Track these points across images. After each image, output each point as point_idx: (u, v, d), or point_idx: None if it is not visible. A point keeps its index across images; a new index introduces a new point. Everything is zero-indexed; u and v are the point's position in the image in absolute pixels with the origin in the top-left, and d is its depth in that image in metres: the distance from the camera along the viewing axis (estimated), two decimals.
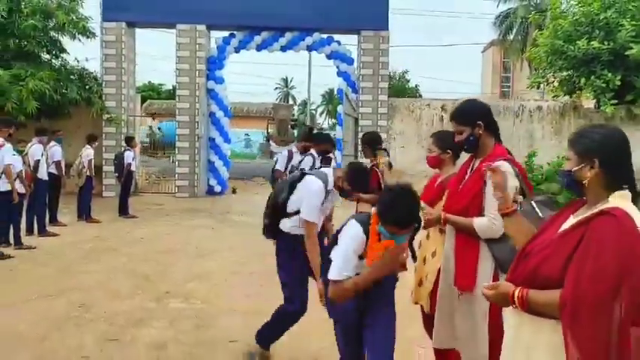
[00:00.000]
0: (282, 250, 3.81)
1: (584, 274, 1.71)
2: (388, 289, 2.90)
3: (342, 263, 2.68)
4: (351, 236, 2.72)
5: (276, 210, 3.79)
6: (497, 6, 33.18)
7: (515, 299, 1.89)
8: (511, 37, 32.27)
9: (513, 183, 2.64)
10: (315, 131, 11.49)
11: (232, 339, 4.43)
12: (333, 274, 2.69)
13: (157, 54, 40.36)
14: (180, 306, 5.35)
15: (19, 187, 7.62)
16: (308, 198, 3.58)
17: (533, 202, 2.57)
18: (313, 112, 56.92)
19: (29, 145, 8.78)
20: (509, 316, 2.04)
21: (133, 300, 5.52)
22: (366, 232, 2.67)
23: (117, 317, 4.93)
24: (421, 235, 3.92)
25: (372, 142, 5.33)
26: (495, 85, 40.47)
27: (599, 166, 1.85)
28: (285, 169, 7.06)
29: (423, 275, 3.38)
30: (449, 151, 3.35)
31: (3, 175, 7.33)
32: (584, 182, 1.89)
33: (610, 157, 1.85)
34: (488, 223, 2.71)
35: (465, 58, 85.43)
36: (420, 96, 38.83)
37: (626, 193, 1.86)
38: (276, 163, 7.46)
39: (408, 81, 42.90)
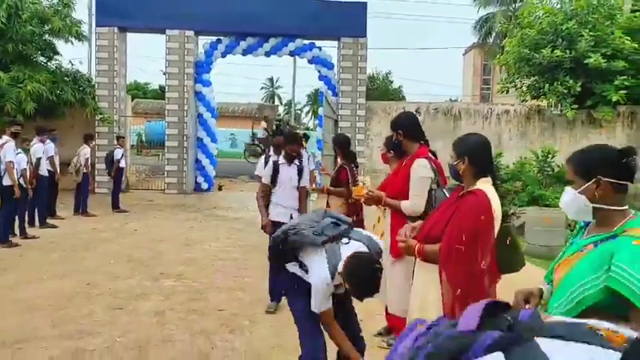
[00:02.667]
0: (286, 285, 3.40)
1: (453, 231, 2.60)
2: None
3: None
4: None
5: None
6: (478, 11, 34.28)
7: (416, 251, 2.77)
8: (490, 40, 33.33)
9: (429, 174, 3.54)
10: (299, 131, 12.41)
11: (220, 308, 5.28)
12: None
13: (144, 54, 40.88)
14: (173, 284, 6.18)
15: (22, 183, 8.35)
16: (315, 292, 3.03)
17: (444, 190, 3.49)
18: (299, 112, 57.74)
19: (32, 143, 9.50)
20: (416, 268, 2.93)
21: (132, 280, 6.32)
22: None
23: (119, 293, 5.75)
24: (374, 219, 4.82)
25: (343, 144, 6.23)
26: (476, 88, 41.60)
27: (469, 162, 2.72)
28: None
29: None
30: (391, 150, 4.24)
31: (5, 172, 8.07)
32: (460, 173, 2.77)
33: (475, 156, 2.73)
34: (410, 204, 3.59)
35: (449, 61, 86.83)
36: (403, 97, 39.88)
37: (488, 180, 2.74)
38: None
39: (392, 82, 43.89)
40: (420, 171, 3.62)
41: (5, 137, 8.11)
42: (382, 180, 4.67)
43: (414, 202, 3.54)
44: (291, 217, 5.20)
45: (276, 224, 4.97)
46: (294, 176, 5.54)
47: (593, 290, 1.77)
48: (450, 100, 38.55)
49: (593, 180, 1.87)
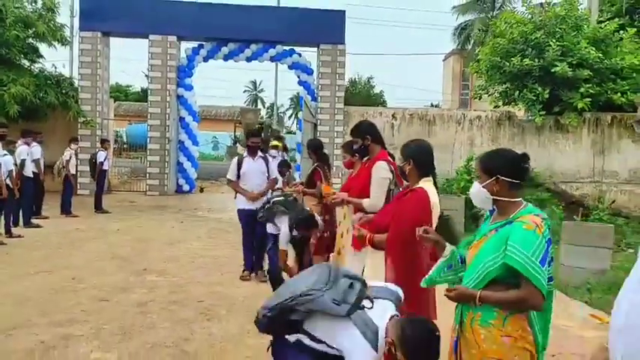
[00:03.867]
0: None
1: (397, 222, 3.05)
2: None
3: None
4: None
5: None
6: (457, 18, 35.05)
7: (367, 239, 3.21)
8: (469, 47, 34.04)
9: (388, 175, 3.99)
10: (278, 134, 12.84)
11: (199, 300, 5.67)
12: None
13: (125, 56, 40.81)
14: (156, 279, 6.55)
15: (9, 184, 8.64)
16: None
17: (401, 189, 3.94)
18: (282, 114, 58.09)
19: (17, 145, 9.77)
20: (367, 255, 3.38)
21: (116, 275, 6.67)
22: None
23: (104, 286, 6.10)
24: (339, 216, 5.26)
25: (316, 147, 6.65)
26: (455, 93, 42.41)
27: (413, 164, 3.17)
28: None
29: (341, 246, 4.69)
30: (356, 154, 4.67)
31: None
32: (406, 173, 3.22)
33: (418, 159, 3.18)
34: (370, 202, 4.03)
35: (430, 67, 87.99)
36: (384, 101, 40.53)
37: (429, 179, 3.19)
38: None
39: (373, 87, 44.51)
40: (381, 172, 4.06)
41: None
42: (344, 182, 5.11)
43: (374, 200, 3.97)
44: (260, 206, 5.89)
45: (244, 212, 6.42)
46: (261, 168, 6.49)
47: (495, 266, 2.22)
48: (432, 104, 39.28)
49: (494, 178, 2.33)
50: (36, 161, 10.26)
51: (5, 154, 8.55)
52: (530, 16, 15.73)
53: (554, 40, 14.29)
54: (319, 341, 2.53)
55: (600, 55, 14.18)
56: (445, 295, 2.33)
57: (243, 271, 6.68)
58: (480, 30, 27.59)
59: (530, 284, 2.11)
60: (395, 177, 4.09)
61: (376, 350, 2.40)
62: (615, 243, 10.49)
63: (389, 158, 4.19)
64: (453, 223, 3.30)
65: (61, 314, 5.05)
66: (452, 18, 35.04)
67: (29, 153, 9.99)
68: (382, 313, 2.51)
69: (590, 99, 14.10)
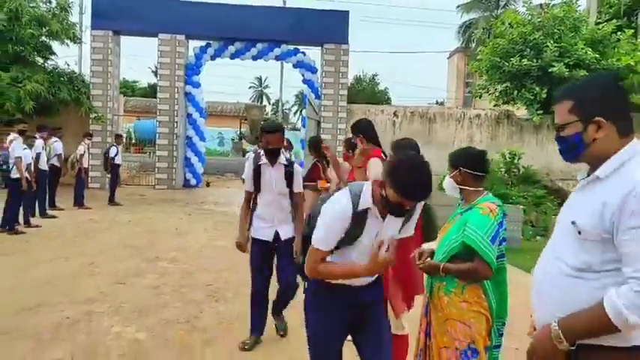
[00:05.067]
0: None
1: None
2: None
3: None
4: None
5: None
6: (461, 16, 35.31)
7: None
8: (473, 45, 34.28)
9: (380, 169, 4.43)
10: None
11: (207, 284, 6.15)
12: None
13: (132, 53, 41.43)
14: (167, 265, 7.04)
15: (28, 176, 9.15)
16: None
17: None
18: (287, 111, 58.57)
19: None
20: None
21: (130, 262, 7.16)
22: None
23: (119, 272, 6.58)
24: None
25: (315, 144, 7.12)
26: (459, 91, 42.72)
27: None
28: None
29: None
30: (350, 150, 5.14)
31: (14, 166, 8.87)
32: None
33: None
34: None
35: (435, 64, 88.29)
36: (389, 99, 40.88)
37: None
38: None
39: (378, 84, 44.85)
40: (374, 169, 4.50)
41: (13, 134, 8.89)
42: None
43: None
44: (277, 235, 4.29)
45: (259, 243, 4.32)
46: (280, 180, 4.26)
47: (456, 244, 2.68)
48: (436, 102, 39.58)
49: (457, 170, 2.79)
50: (58, 156, 10.79)
51: (25, 149, 9.05)
52: (529, 16, 16.12)
53: (552, 41, 14.68)
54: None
55: (597, 55, 14.55)
56: (417, 266, 2.79)
57: (250, 336, 4.41)
58: (484, 29, 27.90)
59: (480, 258, 2.57)
60: None
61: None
62: None
63: (382, 155, 4.64)
64: (434, 212, 3.73)
65: (82, 295, 5.53)
66: (457, 16, 35.22)
67: (44, 147, 10.48)
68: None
69: None
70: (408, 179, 2.22)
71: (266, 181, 4.30)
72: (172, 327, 4.69)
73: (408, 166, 2.25)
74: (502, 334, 2.84)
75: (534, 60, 14.90)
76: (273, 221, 4.31)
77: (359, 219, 2.39)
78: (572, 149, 1.80)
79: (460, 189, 2.82)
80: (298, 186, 4.39)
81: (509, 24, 15.96)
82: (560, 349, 1.71)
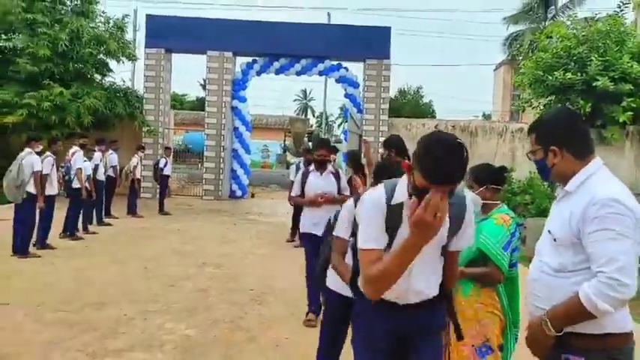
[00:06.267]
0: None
1: None
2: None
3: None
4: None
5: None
6: (507, 28, 34.99)
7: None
8: (520, 57, 33.87)
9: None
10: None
11: (251, 288, 6.56)
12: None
13: (181, 68, 42.79)
14: (213, 271, 7.51)
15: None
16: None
17: None
18: (332, 123, 59.24)
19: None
20: None
21: (180, 267, 7.66)
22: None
23: (171, 275, 7.09)
24: None
25: (354, 160, 7.47)
26: (506, 104, 42.22)
27: None
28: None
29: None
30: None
31: (75, 176, 9.58)
32: None
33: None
34: None
35: (480, 77, 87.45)
36: (433, 111, 40.85)
37: None
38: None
39: (422, 97, 44.85)
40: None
41: (75, 147, 9.63)
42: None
43: None
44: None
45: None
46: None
47: (473, 251, 2.97)
48: (483, 114, 39.21)
49: (484, 187, 3.09)
50: (114, 167, 11.54)
51: (85, 161, 9.76)
52: (574, 30, 16.03)
53: (596, 55, 14.57)
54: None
55: None
56: None
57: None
58: (530, 42, 27.57)
59: (492, 263, 2.86)
60: None
61: (389, 199, 2.15)
62: None
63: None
64: None
65: (137, 295, 6.04)
66: (503, 28, 34.91)
67: (102, 159, 11.22)
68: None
69: (632, 113, 14.30)
70: (433, 161, 1.88)
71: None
72: (218, 325, 5.10)
73: (436, 146, 1.91)
74: (517, 338, 3.11)
75: (578, 74, 14.81)
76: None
77: (394, 214, 2.13)
78: (541, 171, 2.20)
79: (483, 204, 3.11)
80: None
81: (550, 37, 15.93)
82: (549, 336, 2.01)
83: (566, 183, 2.10)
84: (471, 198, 3.15)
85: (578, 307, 1.92)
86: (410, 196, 2.04)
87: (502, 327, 2.97)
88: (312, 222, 5.13)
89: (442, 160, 1.88)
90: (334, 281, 3.35)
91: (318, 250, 4.50)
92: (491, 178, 3.10)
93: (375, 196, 2.19)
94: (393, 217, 2.14)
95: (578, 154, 2.09)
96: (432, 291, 2.28)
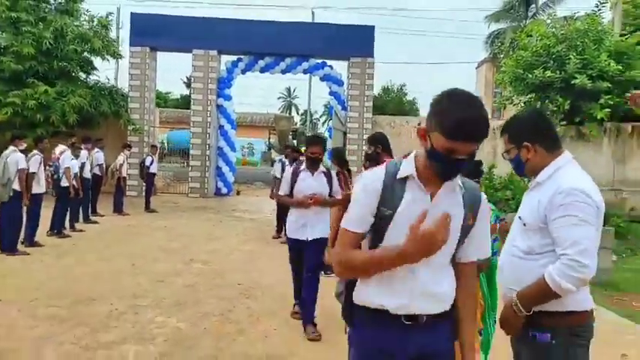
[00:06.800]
0: None
1: None
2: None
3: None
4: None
5: None
6: (489, 26, 35.38)
7: None
8: (501, 55, 34.23)
9: None
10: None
11: (239, 283, 6.71)
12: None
13: (165, 67, 42.63)
14: (201, 267, 7.63)
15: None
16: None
17: None
18: (316, 121, 59.29)
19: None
20: None
21: (167, 263, 7.77)
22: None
23: (159, 272, 7.20)
24: None
25: (339, 156, 7.64)
26: (488, 101, 42.69)
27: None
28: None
29: None
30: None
31: (63, 175, 9.63)
32: None
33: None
34: None
35: (464, 75, 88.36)
36: (417, 109, 41.19)
37: None
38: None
39: (406, 94, 45.16)
40: None
41: (62, 146, 9.67)
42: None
43: None
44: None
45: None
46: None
47: None
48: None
49: None
50: (100, 166, 11.59)
51: (72, 159, 9.81)
52: (553, 29, 16.36)
53: (575, 54, 14.91)
54: None
55: (620, 67, 14.70)
56: None
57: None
58: (512, 40, 27.99)
59: None
60: None
61: (389, 174, 1.86)
62: (627, 247, 11.19)
63: None
64: None
65: (127, 290, 6.15)
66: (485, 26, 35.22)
67: (88, 157, 11.25)
68: None
69: (609, 110, 14.65)
70: (459, 110, 1.69)
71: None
72: (208, 319, 5.24)
73: (457, 97, 1.74)
74: (496, 321, 3.31)
75: (557, 72, 15.13)
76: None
77: (394, 189, 1.83)
78: (517, 167, 2.40)
79: None
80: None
81: (530, 36, 16.24)
82: (520, 316, 2.22)
83: (537, 175, 2.31)
84: None
85: (544, 287, 2.12)
86: (423, 176, 1.82)
87: (482, 312, 3.16)
88: (299, 225, 4.91)
89: (467, 109, 1.69)
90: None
91: (302, 257, 4.95)
92: (468, 171, 3.29)
93: (372, 174, 1.91)
94: (392, 195, 1.82)
95: (548, 148, 2.30)
96: (448, 297, 1.90)
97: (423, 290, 1.83)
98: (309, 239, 4.87)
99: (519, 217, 2.32)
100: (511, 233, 2.39)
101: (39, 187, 8.41)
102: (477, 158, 1.98)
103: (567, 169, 2.25)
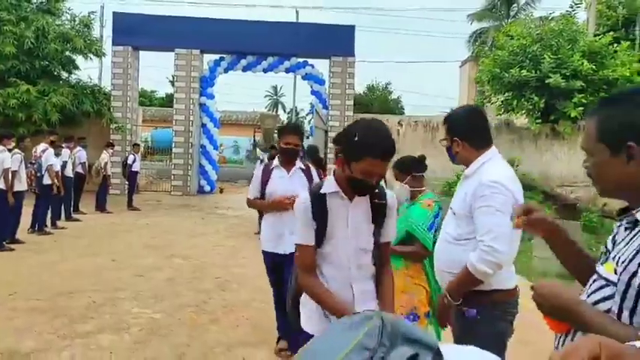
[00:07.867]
0: None
1: None
2: None
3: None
4: None
5: None
6: (471, 25, 35.79)
7: None
8: (483, 54, 34.59)
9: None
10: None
11: (216, 276, 6.93)
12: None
13: (149, 65, 42.52)
14: (181, 262, 7.84)
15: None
16: None
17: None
18: (302, 119, 59.45)
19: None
20: None
21: (148, 259, 7.96)
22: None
23: (140, 267, 7.38)
24: None
25: (313, 153, 7.89)
26: (471, 99, 43.16)
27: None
28: None
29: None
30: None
31: (46, 172, 9.76)
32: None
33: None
34: None
35: (448, 73, 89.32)
36: (402, 107, 41.59)
37: None
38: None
39: (391, 93, 45.51)
40: None
41: (43, 145, 9.81)
42: None
43: None
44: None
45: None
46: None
47: (403, 231, 3.41)
48: (451, 110, 40.00)
49: (410, 176, 3.53)
50: (82, 164, 11.73)
51: (55, 157, 9.94)
52: (529, 29, 16.73)
53: (549, 53, 15.29)
54: None
55: (593, 67, 15.10)
56: None
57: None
58: (493, 39, 28.41)
59: (418, 242, 3.30)
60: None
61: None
62: (597, 241, 11.55)
63: None
64: None
65: (107, 284, 6.34)
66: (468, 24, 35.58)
67: (70, 156, 11.38)
68: None
69: (583, 108, 15.05)
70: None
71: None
72: (184, 310, 5.46)
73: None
74: None
75: (533, 71, 15.50)
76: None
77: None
78: (450, 156, 2.66)
79: (411, 191, 3.55)
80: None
81: (509, 36, 16.61)
82: (449, 305, 2.49)
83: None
84: (399, 190, 3.60)
85: (467, 274, 2.39)
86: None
87: (428, 297, 3.41)
88: (274, 234, 4.08)
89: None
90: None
91: (282, 274, 3.98)
92: (414, 167, 3.54)
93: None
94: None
95: (475, 145, 2.55)
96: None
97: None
98: (288, 252, 3.90)
99: (451, 208, 2.59)
100: (445, 221, 2.66)
101: (20, 184, 8.55)
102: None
103: (491, 163, 2.50)
